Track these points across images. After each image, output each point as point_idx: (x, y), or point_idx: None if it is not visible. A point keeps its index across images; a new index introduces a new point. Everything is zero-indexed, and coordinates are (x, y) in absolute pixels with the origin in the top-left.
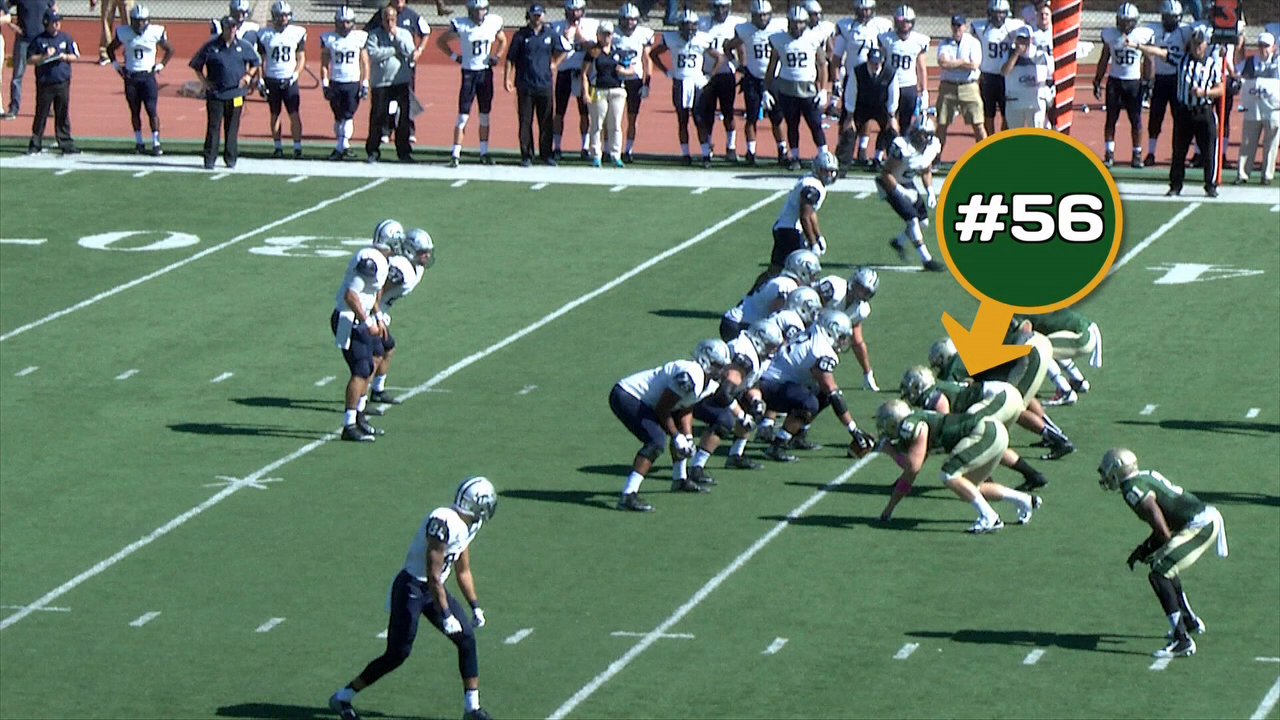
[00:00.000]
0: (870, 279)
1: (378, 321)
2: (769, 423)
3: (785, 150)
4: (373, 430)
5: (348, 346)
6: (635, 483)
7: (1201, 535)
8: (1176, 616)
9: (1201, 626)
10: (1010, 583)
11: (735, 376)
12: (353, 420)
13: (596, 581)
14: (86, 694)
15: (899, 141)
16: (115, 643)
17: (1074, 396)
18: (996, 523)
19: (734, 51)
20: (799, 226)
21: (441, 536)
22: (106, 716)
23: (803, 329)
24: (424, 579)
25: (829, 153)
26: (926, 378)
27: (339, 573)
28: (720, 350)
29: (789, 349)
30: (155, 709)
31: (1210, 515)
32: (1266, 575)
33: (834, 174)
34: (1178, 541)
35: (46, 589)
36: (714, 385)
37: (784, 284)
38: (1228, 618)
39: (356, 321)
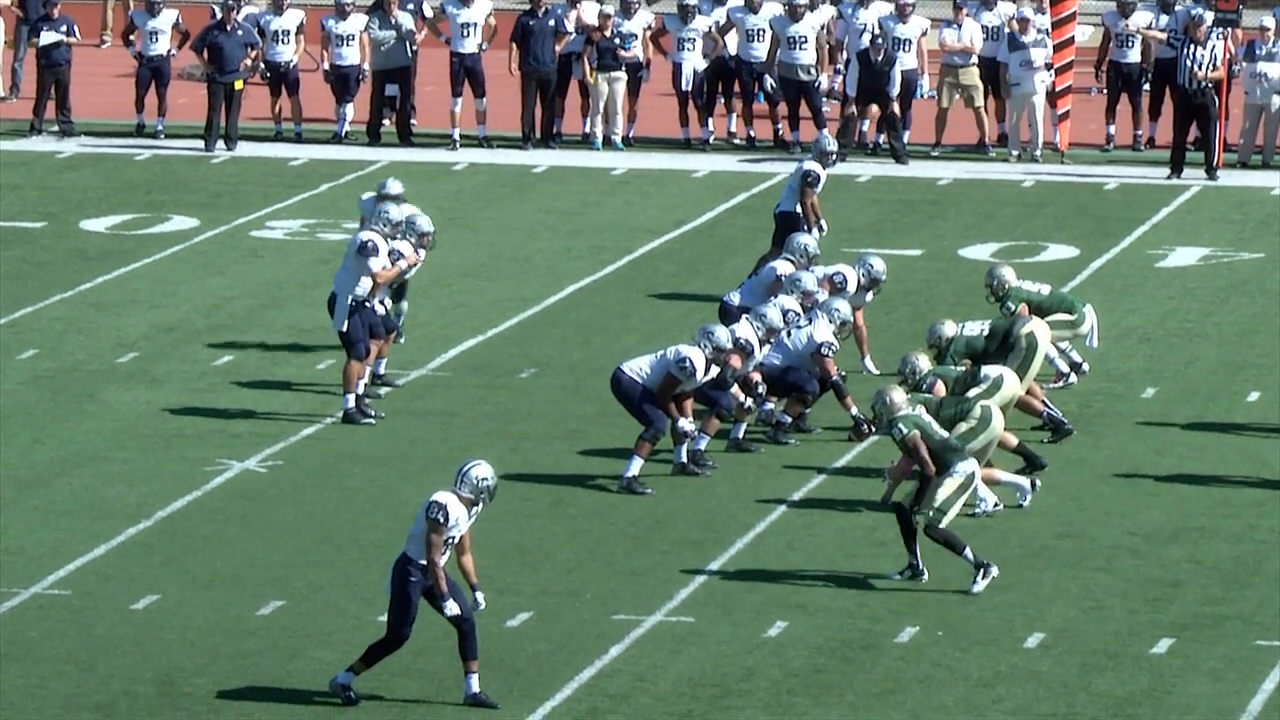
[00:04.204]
0: (879, 267)
1: (382, 302)
2: (769, 406)
3: (782, 133)
4: (373, 413)
5: (345, 329)
6: (636, 466)
7: (964, 485)
8: (968, 551)
9: (995, 570)
10: (1010, 566)
11: (736, 360)
12: (352, 404)
13: (597, 565)
14: (87, 677)
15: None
16: (115, 626)
17: (1074, 379)
18: (996, 505)
19: (724, 37)
20: (799, 210)
21: (441, 519)
22: (107, 699)
23: (802, 314)
24: (424, 562)
25: (829, 136)
26: (923, 363)
27: (339, 556)
28: (722, 335)
29: (789, 334)
30: (155, 692)
31: (971, 465)
32: (1267, 559)
33: (834, 157)
34: (944, 494)
35: (47, 572)
36: (715, 370)
37: (782, 267)
38: (1228, 601)
39: (352, 300)
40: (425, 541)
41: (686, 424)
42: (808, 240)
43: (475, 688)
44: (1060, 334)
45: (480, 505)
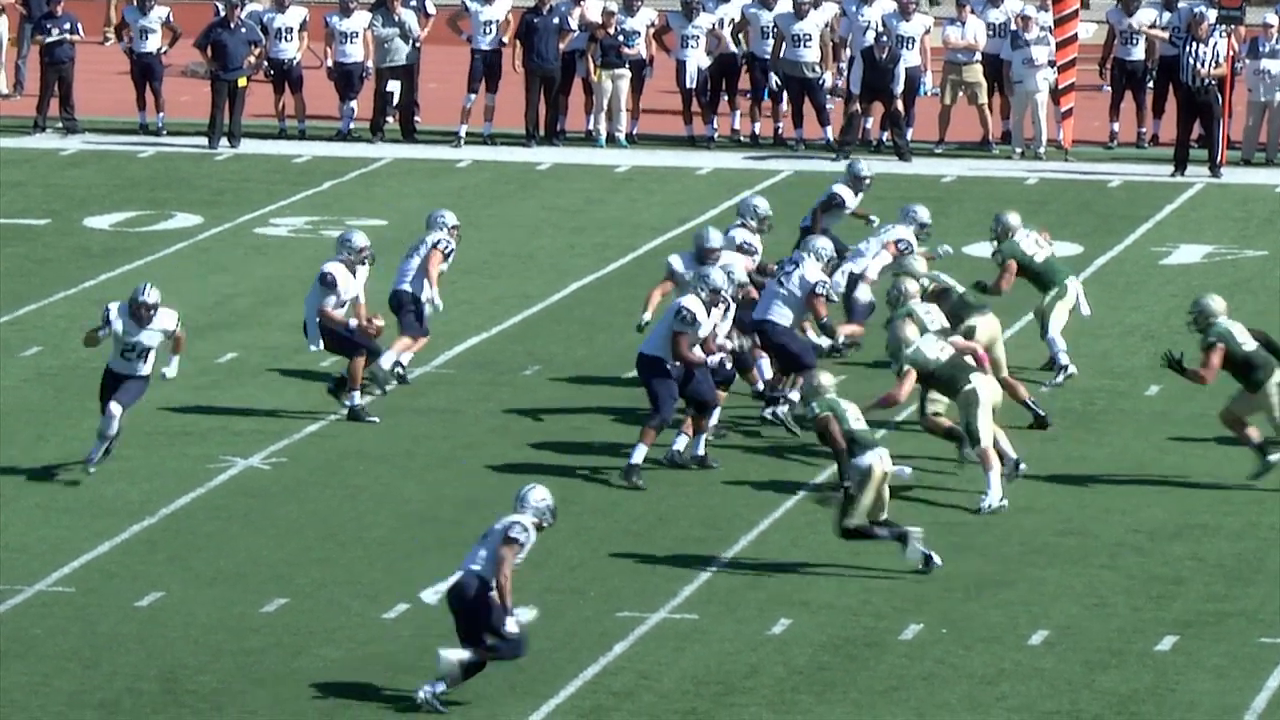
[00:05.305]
0: (924, 215)
1: (358, 312)
2: (782, 409)
3: (781, 130)
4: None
5: (320, 346)
6: (640, 454)
7: (865, 479)
8: (886, 532)
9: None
10: (1013, 563)
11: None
12: (358, 400)
13: (600, 562)
14: (90, 674)
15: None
16: (119, 623)
17: (1071, 370)
18: (1002, 501)
19: (740, 35)
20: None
21: (522, 541)
22: (111, 697)
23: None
24: (493, 579)
25: (864, 163)
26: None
27: (343, 553)
28: (716, 276)
29: (781, 281)
30: (159, 689)
31: (873, 457)
32: (1270, 556)
33: (868, 182)
34: (859, 490)
35: (50, 569)
36: (718, 313)
37: (739, 234)
38: (1231, 598)
39: (320, 320)
40: (496, 559)
41: (714, 358)
42: (759, 201)
43: (430, 690)
44: (1059, 315)
45: (545, 529)
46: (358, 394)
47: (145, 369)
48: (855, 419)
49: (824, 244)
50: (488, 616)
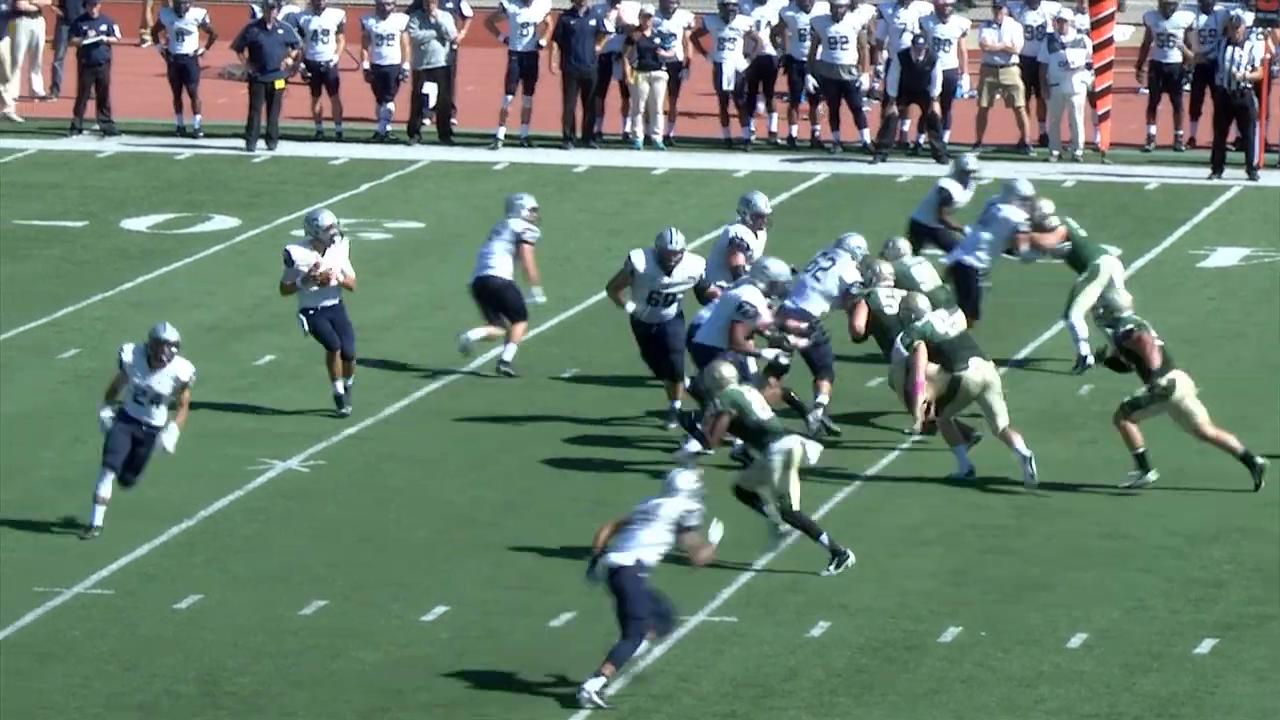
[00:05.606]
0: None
1: (327, 270)
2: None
3: (818, 133)
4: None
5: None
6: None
7: (787, 463)
8: (824, 537)
9: (851, 558)
10: (1052, 566)
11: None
12: (341, 390)
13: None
14: (129, 676)
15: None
16: (158, 625)
17: (1090, 362)
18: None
19: (777, 37)
20: (931, 223)
21: (693, 523)
22: (150, 699)
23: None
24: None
25: (971, 157)
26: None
27: (381, 556)
28: (775, 267)
29: (817, 278)
30: (198, 691)
31: (789, 443)
32: None
33: (976, 175)
34: (776, 476)
35: (89, 571)
36: (774, 303)
37: (735, 230)
38: (1271, 601)
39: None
40: (690, 547)
41: (770, 352)
42: (756, 198)
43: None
44: (1088, 297)
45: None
46: (339, 383)
47: (158, 418)
48: (761, 409)
49: (859, 243)
50: (645, 599)
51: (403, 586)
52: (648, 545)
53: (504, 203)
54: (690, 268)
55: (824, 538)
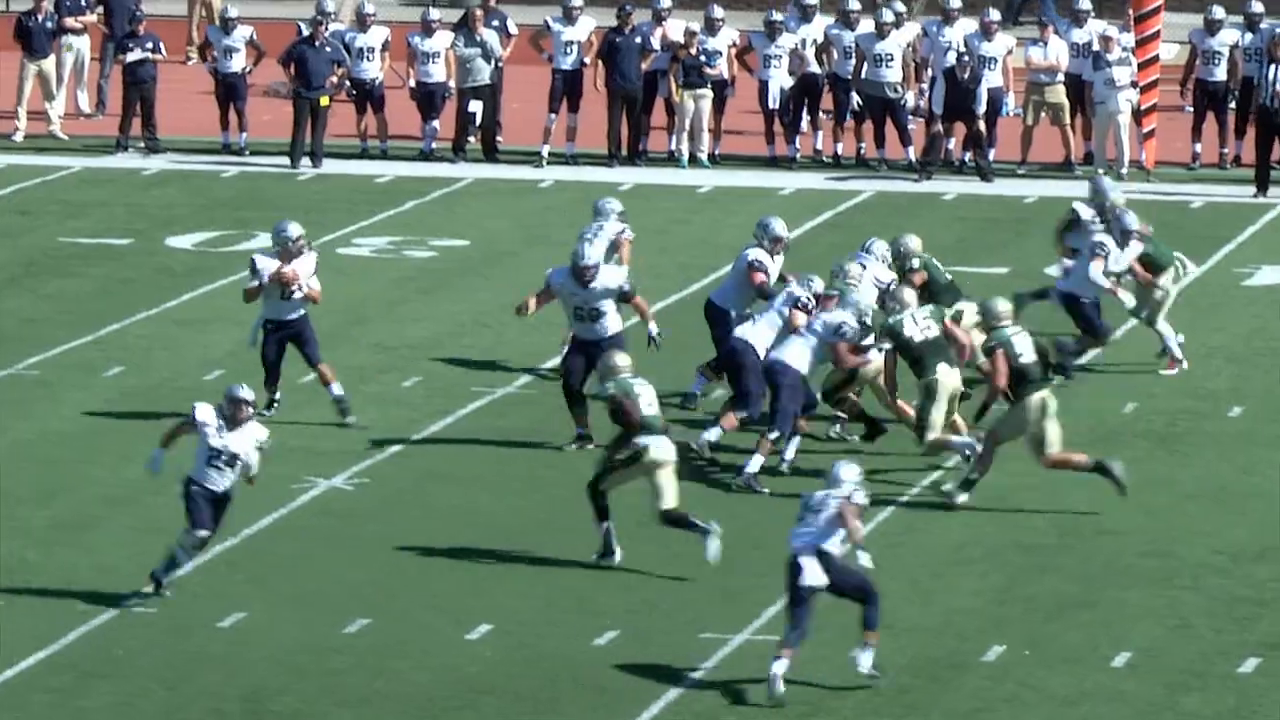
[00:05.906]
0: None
1: (292, 272)
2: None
3: (863, 150)
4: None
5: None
6: (756, 463)
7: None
8: (694, 518)
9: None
10: (1095, 584)
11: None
12: (338, 392)
13: (684, 584)
14: (174, 695)
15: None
16: (202, 643)
17: (1186, 364)
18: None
19: (822, 55)
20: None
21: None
22: (194, 717)
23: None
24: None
25: (1107, 179)
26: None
27: (425, 574)
28: (777, 224)
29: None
30: (242, 710)
31: (653, 440)
32: None
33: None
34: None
35: (134, 589)
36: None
37: (754, 254)
38: None
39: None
40: (844, 522)
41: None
42: (774, 222)
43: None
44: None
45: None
46: (335, 386)
47: (231, 480)
48: (647, 405)
49: (883, 249)
50: (851, 574)
51: (446, 604)
52: (819, 535)
53: (593, 206)
54: (607, 279)
55: (693, 518)
